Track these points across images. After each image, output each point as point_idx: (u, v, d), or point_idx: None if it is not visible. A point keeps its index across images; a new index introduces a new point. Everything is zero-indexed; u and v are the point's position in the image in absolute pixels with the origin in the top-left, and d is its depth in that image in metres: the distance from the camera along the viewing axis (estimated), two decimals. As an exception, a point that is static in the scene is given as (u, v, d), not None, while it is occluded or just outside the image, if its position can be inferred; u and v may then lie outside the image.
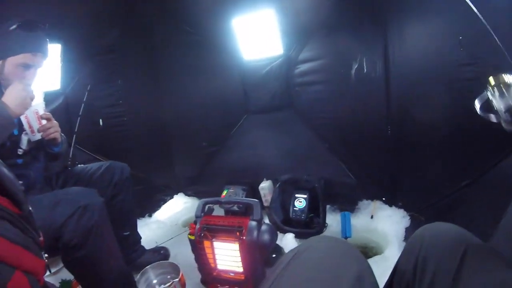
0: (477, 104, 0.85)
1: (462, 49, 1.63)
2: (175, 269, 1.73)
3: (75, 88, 2.36)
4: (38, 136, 1.59)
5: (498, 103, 0.80)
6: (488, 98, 0.82)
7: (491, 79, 0.83)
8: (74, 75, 2.34)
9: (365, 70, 2.07)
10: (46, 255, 1.23)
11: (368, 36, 2.02)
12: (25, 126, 1.56)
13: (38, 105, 1.56)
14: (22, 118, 1.53)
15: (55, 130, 1.64)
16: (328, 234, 2.12)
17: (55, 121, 1.64)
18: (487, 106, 0.83)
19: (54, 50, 2.07)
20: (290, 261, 0.72)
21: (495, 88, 0.81)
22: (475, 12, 1.57)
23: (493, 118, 0.82)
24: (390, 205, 2.23)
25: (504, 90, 0.79)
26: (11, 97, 1.38)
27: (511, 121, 0.78)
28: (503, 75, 0.81)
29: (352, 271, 0.67)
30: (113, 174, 1.86)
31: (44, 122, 1.58)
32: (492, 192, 1.53)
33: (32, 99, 1.47)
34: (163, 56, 2.79)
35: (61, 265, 1.77)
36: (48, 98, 1.66)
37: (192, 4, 2.50)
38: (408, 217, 2.13)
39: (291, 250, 0.76)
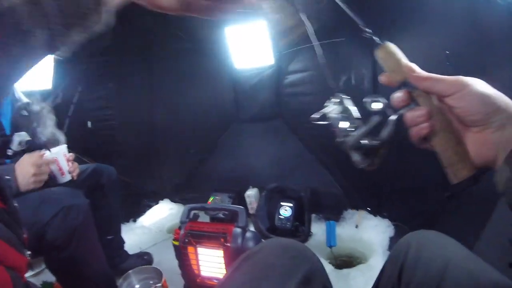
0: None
1: (448, 63, 1.67)
2: (158, 274, 1.72)
3: (65, 89, 2.35)
4: (68, 178, 1.61)
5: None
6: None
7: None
8: (65, 75, 2.33)
9: (353, 82, 2.09)
10: (29, 252, 1.22)
11: (357, 49, 2.05)
12: (55, 169, 1.56)
13: (64, 147, 1.60)
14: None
15: (77, 169, 1.67)
16: (313, 243, 2.14)
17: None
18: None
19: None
20: (241, 262, 0.74)
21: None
22: (461, 28, 1.62)
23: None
24: (375, 215, 2.25)
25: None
26: (22, 173, 1.38)
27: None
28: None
29: (300, 272, 0.69)
30: (100, 177, 1.85)
31: (70, 164, 1.61)
32: (474, 203, 1.55)
33: (40, 184, 1.47)
34: (155, 61, 2.79)
35: (43, 266, 1.75)
36: (38, 97, 1.66)
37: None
38: (393, 227, 2.16)
39: (245, 252, 0.78)
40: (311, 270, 0.71)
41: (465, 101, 0.53)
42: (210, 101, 2.65)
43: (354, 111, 0.73)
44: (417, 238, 0.79)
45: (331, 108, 0.75)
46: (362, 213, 2.27)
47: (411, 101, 0.60)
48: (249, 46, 2.34)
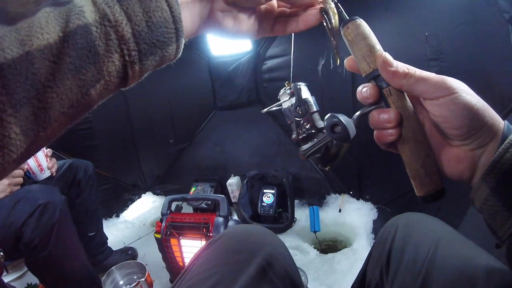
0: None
1: (427, 45, 1.68)
2: (142, 269, 1.70)
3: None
4: (47, 173, 1.59)
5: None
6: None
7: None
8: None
9: (332, 66, 2.08)
10: (1, 253, 1.19)
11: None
12: (33, 165, 1.53)
13: None
14: (31, 159, 1.51)
15: (56, 164, 1.64)
16: (297, 229, 2.15)
17: None
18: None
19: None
20: (203, 250, 0.75)
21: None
22: (440, 10, 1.62)
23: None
24: (358, 199, 2.26)
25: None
26: None
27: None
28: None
29: (259, 257, 0.68)
30: (76, 172, 1.82)
31: (48, 159, 1.58)
32: (457, 184, 1.57)
33: (16, 188, 1.42)
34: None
35: (26, 268, 1.72)
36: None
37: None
38: (376, 210, 2.17)
39: (208, 241, 0.78)
40: (271, 254, 0.70)
41: (449, 111, 0.45)
42: (187, 90, 2.60)
43: (312, 102, 0.66)
44: (404, 220, 0.78)
45: (285, 100, 0.69)
46: (345, 197, 2.28)
47: (380, 99, 0.51)
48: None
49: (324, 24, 0.55)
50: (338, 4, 0.54)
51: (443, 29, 1.62)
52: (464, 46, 1.57)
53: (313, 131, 0.63)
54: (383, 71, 0.49)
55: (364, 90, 0.51)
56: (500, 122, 0.46)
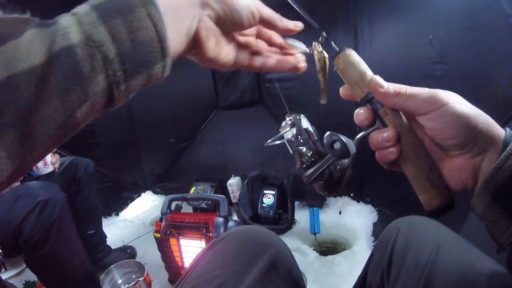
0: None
1: (431, 48, 1.67)
2: (141, 268, 1.69)
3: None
4: (50, 168, 1.61)
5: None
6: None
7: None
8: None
9: (335, 68, 2.07)
10: (0, 251, 1.19)
11: (339, 34, 2.02)
12: None
13: None
14: None
15: (58, 161, 1.67)
16: (297, 230, 2.14)
17: None
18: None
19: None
20: (206, 251, 0.74)
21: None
22: (443, 13, 1.61)
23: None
24: (358, 201, 2.25)
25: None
26: None
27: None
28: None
29: (264, 258, 0.68)
30: (77, 170, 1.81)
31: (52, 155, 1.61)
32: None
33: (17, 183, 1.44)
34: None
35: (24, 265, 1.71)
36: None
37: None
38: (376, 213, 2.16)
39: (210, 241, 0.78)
40: (275, 256, 0.70)
41: (442, 123, 0.46)
42: (189, 89, 2.60)
43: (312, 131, 0.67)
44: (406, 224, 0.78)
45: (286, 131, 0.71)
46: (345, 199, 2.28)
47: (376, 120, 0.52)
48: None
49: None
50: (329, 40, 0.58)
51: (447, 33, 1.62)
52: (467, 49, 1.57)
53: (315, 158, 0.64)
54: (375, 93, 0.51)
55: (360, 113, 0.53)
56: (497, 128, 0.46)
